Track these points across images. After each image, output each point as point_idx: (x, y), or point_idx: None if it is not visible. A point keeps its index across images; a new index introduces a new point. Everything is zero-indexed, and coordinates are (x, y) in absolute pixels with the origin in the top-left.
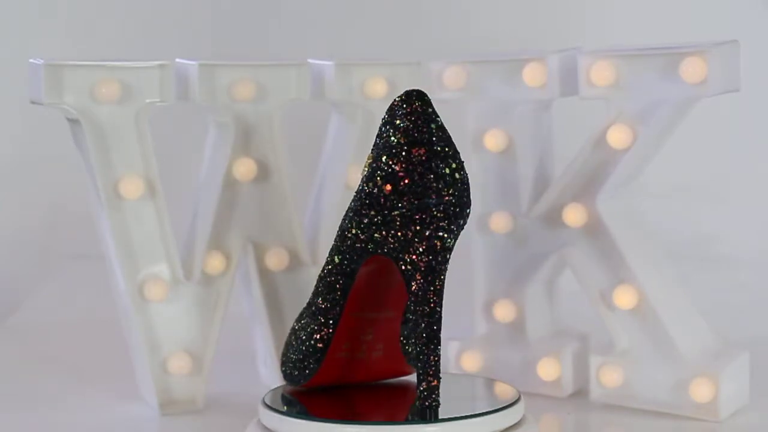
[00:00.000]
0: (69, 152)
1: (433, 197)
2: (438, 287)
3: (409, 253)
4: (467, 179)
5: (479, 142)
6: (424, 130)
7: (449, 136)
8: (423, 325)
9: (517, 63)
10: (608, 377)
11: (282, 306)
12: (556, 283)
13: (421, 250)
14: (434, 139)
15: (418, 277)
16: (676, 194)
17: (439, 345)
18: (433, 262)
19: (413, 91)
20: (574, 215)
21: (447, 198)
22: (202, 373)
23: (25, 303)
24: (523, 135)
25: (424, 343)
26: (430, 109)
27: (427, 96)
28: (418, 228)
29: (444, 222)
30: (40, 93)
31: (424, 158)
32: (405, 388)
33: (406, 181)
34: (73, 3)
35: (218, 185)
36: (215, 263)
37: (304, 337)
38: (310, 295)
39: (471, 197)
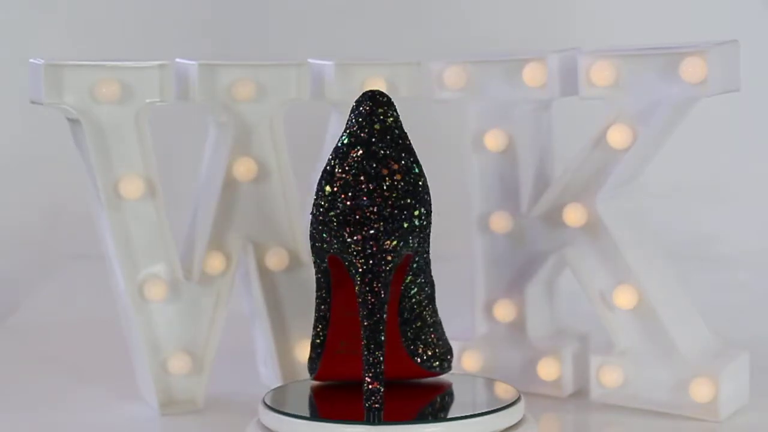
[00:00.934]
0: (69, 152)
1: (365, 199)
2: (377, 290)
3: (348, 254)
4: (415, 181)
5: (479, 142)
6: (366, 130)
7: (398, 138)
8: (364, 325)
9: (517, 63)
10: (608, 377)
11: (282, 306)
12: (556, 283)
13: (356, 251)
14: (374, 140)
15: (358, 279)
16: (676, 194)
17: (380, 349)
18: (371, 264)
19: (368, 91)
20: (574, 215)
21: (380, 200)
22: (202, 373)
23: (25, 303)
24: (523, 135)
25: (364, 345)
26: (381, 110)
27: (382, 96)
28: (352, 229)
29: (379, 224)
30: (40, 93)
31: (360, 159)
32: (413, 388)
33: (341, 182)
34: (73, 3)
35: (218, 185)
36: (215, 263)
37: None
38: (309, 295)
39: (417, 199)
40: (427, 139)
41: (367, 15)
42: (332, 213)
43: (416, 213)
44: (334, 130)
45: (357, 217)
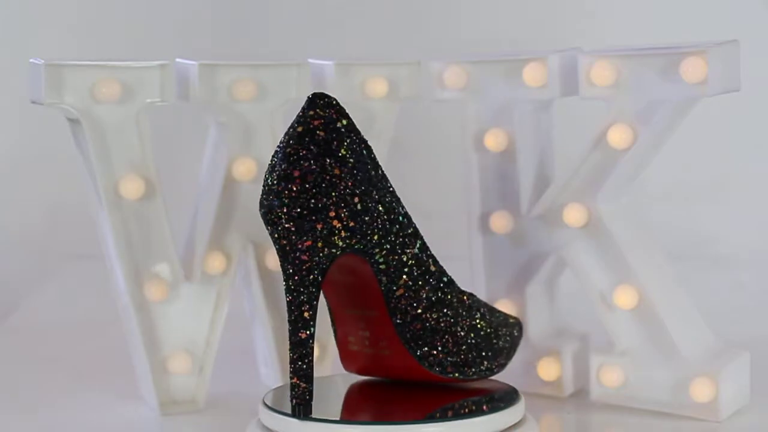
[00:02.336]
0: (69, 152)
1: (274, 199)
2: (292, 288)
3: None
4: (333, 183)
5: (479, 141)
6: (290, 131)
7: (322, 140)
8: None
9: (517, 63)
10: (608, 377)
11: (282, 306)
12: (556, 283)
13: (276, 249)
14: (291, 141)
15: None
16: (676, 194)
17: (299, 347)
18: (286, 263)
19: (312, 93)
20: (574, 215)
21: (287, 200)
22: (202, 373)
23: (25, 303)
24: (523, 135)
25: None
26: (311, 112)
27: (321, 98)
28: (271, 228)
29: (290, 224)
30: (40, 93)
31: (278, 160)
32: (419, 389)
33: (264, 183)
34: (73, 3)
35: (218, 185)
36: (215, 263)
37: None
38: None
39: (334, 200)
40: (427, 139)
41: (367, 15)
42: (261, 212)
43: (332, 214)
44: None
45: (273, 216)
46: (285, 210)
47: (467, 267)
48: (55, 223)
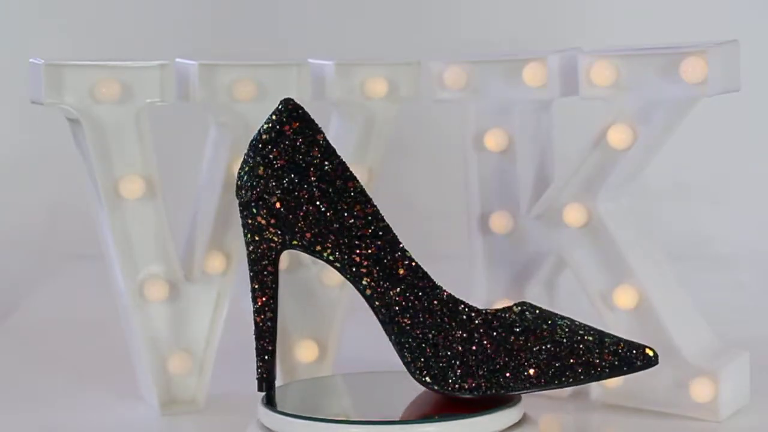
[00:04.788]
0: (69, 152)
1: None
2: (250, 274)
3: None
4: (253, 183)
5: (479, 141)
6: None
7: (258, 142)
8: None
9: (517, 63)
10: None
11: (282, 306)
12: (556, 283)
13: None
14: (251, 143)
15: None
16: (676, 194)
17: (255, 330)
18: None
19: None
20: (574, 215)
21: (237, 199)
22: (202, 372)
23: (25, 303)
24: (523, 135)
25: None
26: (272, 117)
27: (282, 104)
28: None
29: (240, 217)
30: (40, 93)
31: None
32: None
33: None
34: (73, 3)
35: (218, 185)
36: (215, 263)
37: None
38: (308, 295)
39: (254, 198)
40: (427, 139)
41: (367, 15)
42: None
43: (255, 211)
44: (334, 130)
45: (239, 211)
46: (237, 205)
47: (467, 267)
48: (55, 223)
